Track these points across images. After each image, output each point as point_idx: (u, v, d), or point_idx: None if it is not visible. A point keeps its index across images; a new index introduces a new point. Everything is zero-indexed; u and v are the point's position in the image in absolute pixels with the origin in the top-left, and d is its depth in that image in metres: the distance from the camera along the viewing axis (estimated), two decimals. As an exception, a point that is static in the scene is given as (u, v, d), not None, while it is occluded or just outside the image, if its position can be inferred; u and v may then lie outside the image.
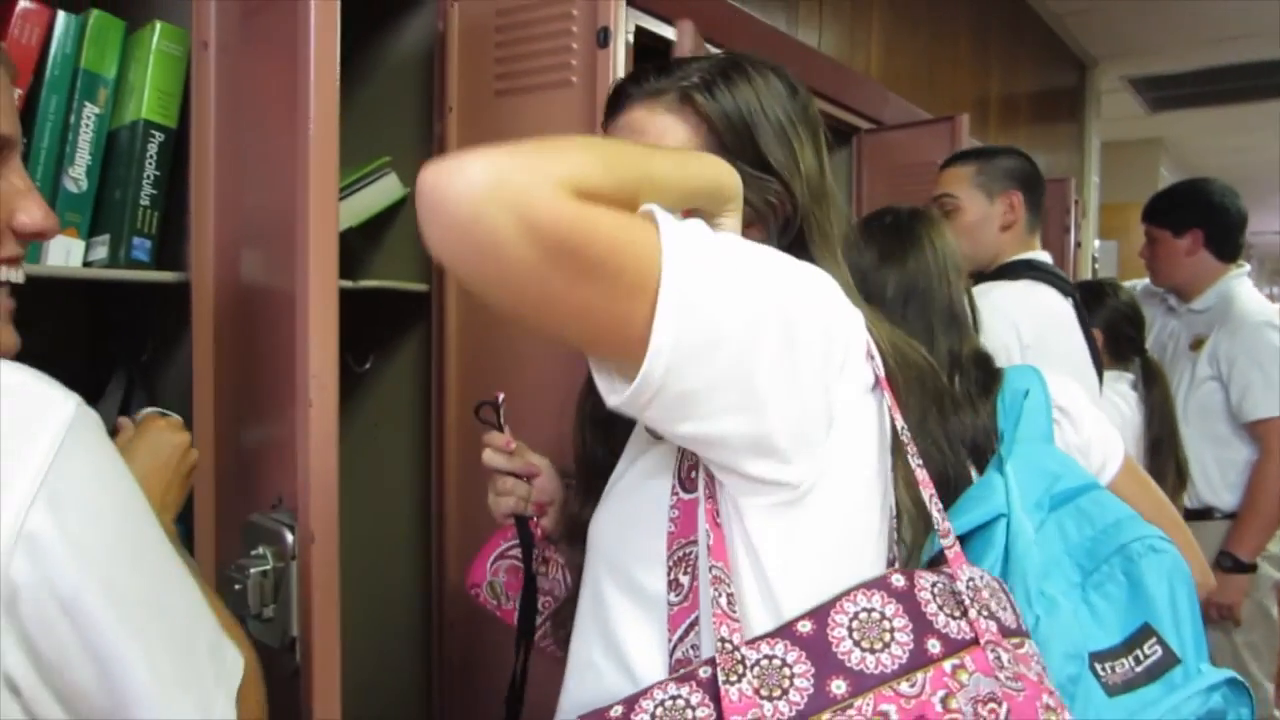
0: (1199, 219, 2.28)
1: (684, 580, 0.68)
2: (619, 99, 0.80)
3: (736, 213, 0.71)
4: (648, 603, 0.70)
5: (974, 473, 1.05)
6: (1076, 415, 1.11)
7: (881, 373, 0.72)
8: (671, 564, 0.68)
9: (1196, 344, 2.28)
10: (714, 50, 1.56)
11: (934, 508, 0.72)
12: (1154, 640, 0.85)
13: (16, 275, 0.67)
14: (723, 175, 0.69)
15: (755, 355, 0.59)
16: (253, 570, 0.92)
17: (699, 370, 0.57)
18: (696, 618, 0.67)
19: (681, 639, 0.67)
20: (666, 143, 0.76)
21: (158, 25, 1.02)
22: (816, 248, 0.77)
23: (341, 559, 0.95)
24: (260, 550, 0.93)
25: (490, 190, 0.51)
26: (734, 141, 0.75)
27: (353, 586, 0.96)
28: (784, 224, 0.77)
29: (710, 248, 0.59)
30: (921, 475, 0.72)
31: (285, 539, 0.93)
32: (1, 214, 0.64)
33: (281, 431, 0.95)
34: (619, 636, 0.71)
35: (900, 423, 0.72)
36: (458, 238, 0.53)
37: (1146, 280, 2.54)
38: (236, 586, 0.91)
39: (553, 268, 0.53)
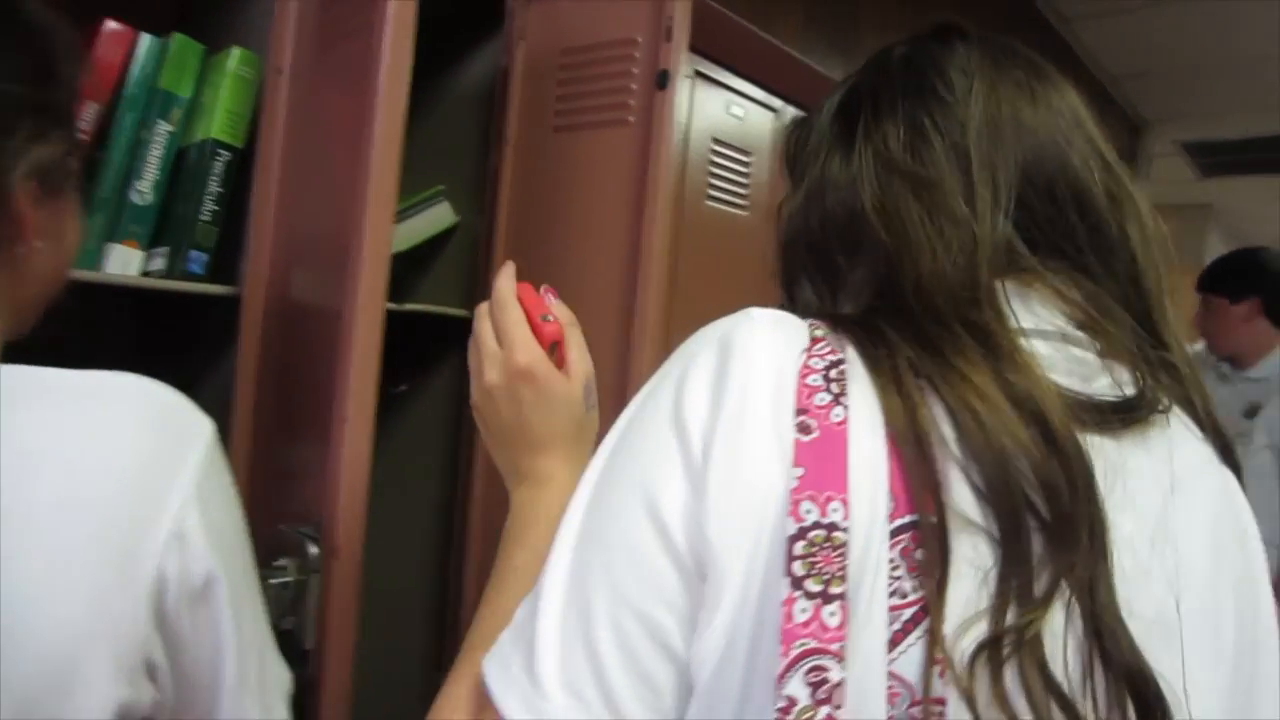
0: (1257, 287, 2.27)
1: None
2: None
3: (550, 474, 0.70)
4: None
5: None
6: None
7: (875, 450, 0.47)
8: None
9: (1251, 411, 2.24)
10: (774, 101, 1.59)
11: None
12: None
13: None
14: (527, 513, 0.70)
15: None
16: (273, 581, 0.92)
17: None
18: None
19: None
20: None
21: (235, 50, 1.06)
22: None
23: (362, 576, 0.96)
24: (283, 561, 0.94)
25: None
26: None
27: (370, 604, 0.98)
28: None
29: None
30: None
31: (308, 551, 0.93)
32: None
33: (315, 445, 0.97)
34: None
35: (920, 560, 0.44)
36: None
37: (1196, 346, 2.52)
38: (257, 596, 0.93)
39: None
